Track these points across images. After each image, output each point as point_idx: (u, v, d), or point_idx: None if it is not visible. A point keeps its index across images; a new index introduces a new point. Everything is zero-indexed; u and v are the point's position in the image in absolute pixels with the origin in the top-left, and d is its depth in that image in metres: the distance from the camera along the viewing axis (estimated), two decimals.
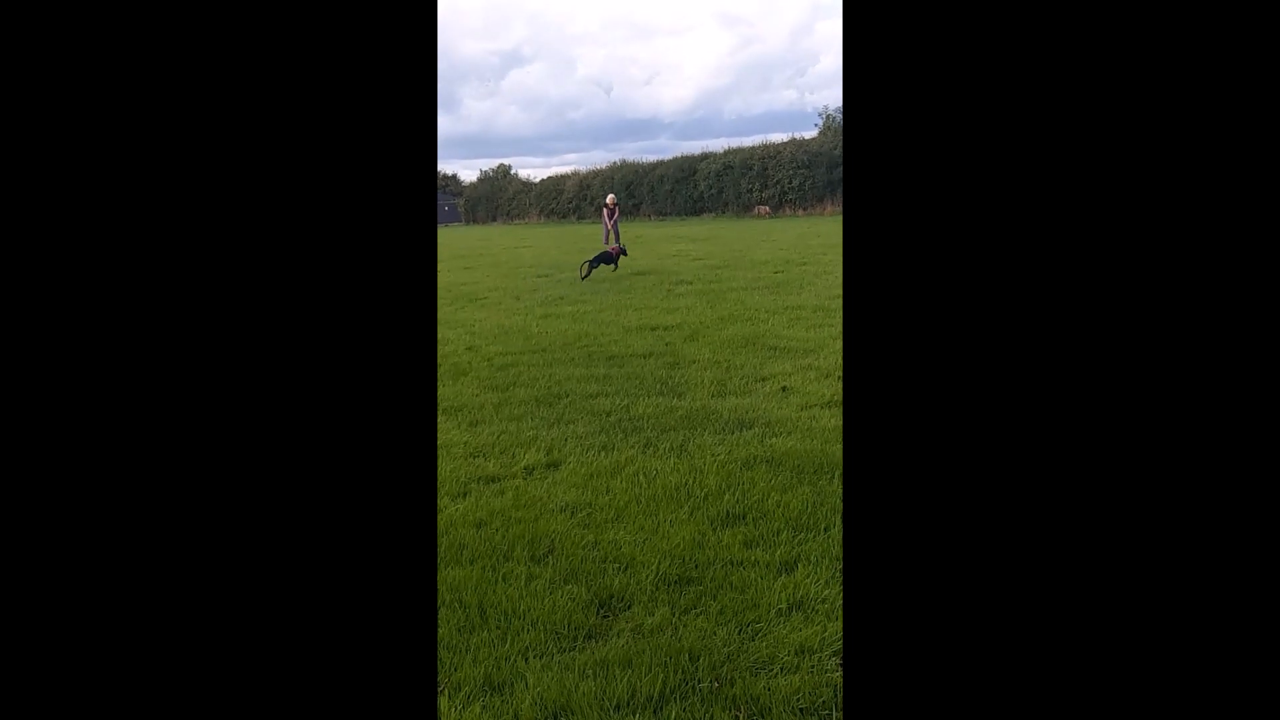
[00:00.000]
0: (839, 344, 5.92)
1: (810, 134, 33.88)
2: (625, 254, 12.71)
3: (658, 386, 4.88)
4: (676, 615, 2.22)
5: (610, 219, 18.66)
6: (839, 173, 31.30)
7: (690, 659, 2.00)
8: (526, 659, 2.05)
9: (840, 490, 3.03)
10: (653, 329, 6.95)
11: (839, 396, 4.44)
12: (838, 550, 2.53)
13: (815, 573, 2.39)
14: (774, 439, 3.72)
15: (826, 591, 2.28)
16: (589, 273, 11.74)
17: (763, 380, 4.95)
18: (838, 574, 2.38)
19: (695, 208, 34.21)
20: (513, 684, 1.95)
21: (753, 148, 33.81)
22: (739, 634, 2.11)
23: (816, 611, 2.19)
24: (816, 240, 16.57)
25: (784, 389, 4.70)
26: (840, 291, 8.73)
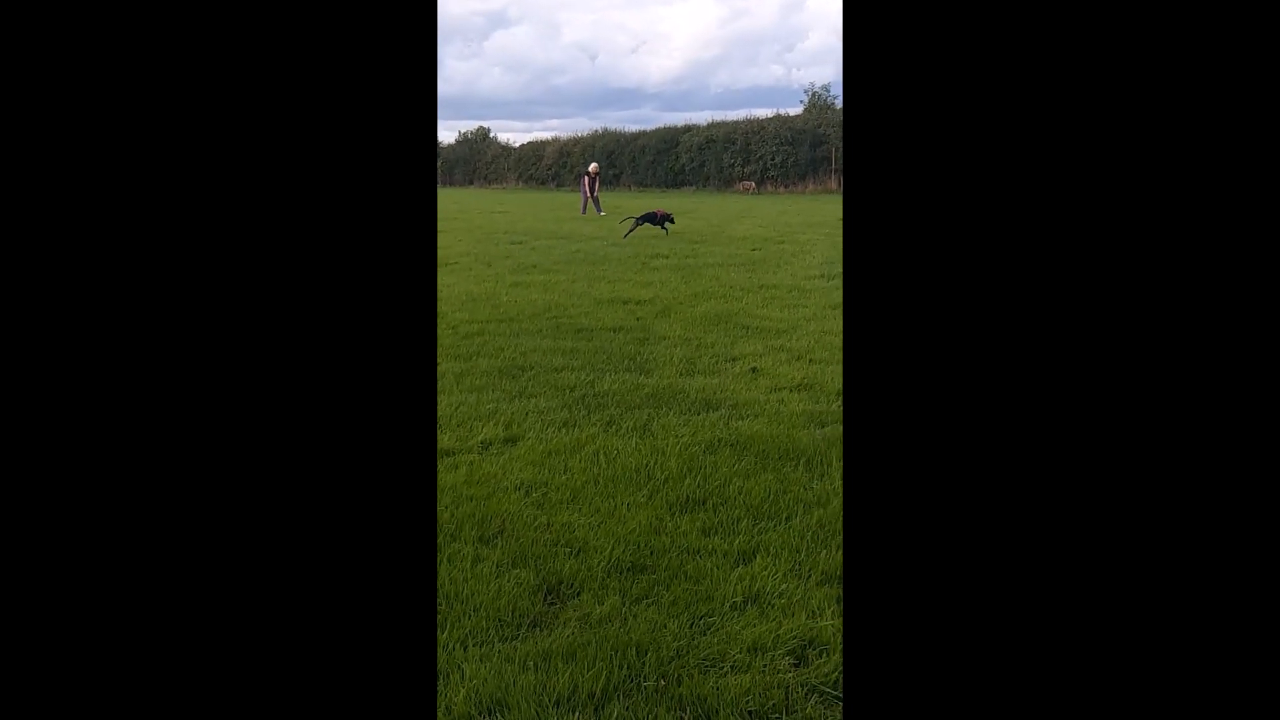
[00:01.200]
0: (812, 325, 5.84)
1: (795, 111, 33.66)
2: (672, 220, 13.36)
3: (625, 363, 4.77)
4: (627, 605, 2.13)
5: (591, 189, 18.40)
6: (822, 150, 31.18)
7: (637, 654, 1.91)
8: (465, 648, 1.94)
9: (804, 478, 2.95)
10: (624, 303, 6.83)
11: (809, 379, 4.36)
12: (798, 541, 2.44)
13: (774, 565, 2.31)
14: (740, 421, 3.64)
15: (784, 585, 2.20)
16: (632, 229, 12.88)
17: (732, 360, 4.86)
18: (796, 566, 2.30)
19: (676, 180, 33.96)
20: (448, 674, 1.85)
21: (736, 122, 33.52)
22: (690, 628, 2.03)
23: (772, 606, 2.11)
24: (797, 218, 16.47)
25: (754, 370, 4.62)
26: (817, 271, 8.69)
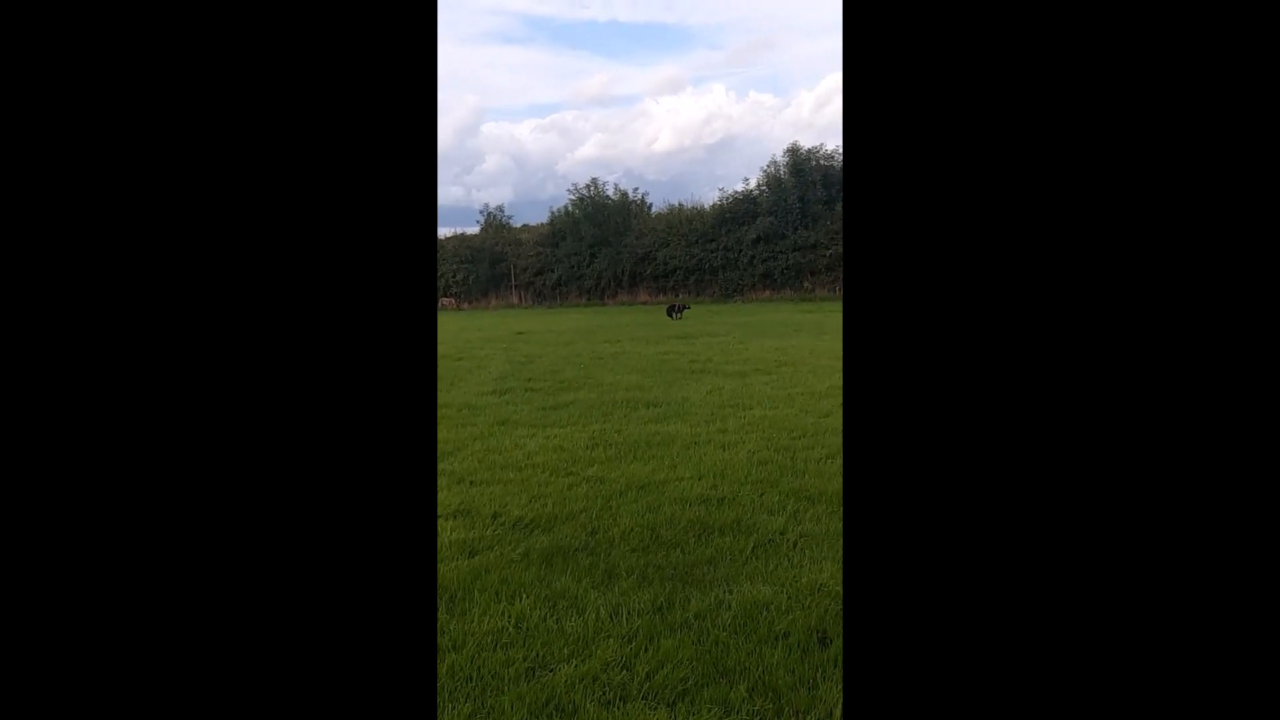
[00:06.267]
0: (478, 444, 5.72)
1: (474, 230, 34.39)
2: (688, 307, 20.34)
3: None
4: None
5: None
6: (501, 268, 32.00)
7: None
8: None
9: (441, 621, 2.74)
10: None
11: (466, 504, 4.19)
12: None
13: None
14: None
15: None
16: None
17: None
18: None
19: None
20: None
21: None
22: None
23: None
24: (477, 334, 16.53)
25: None
26: (490, 387, 8.65)
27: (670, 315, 19.57)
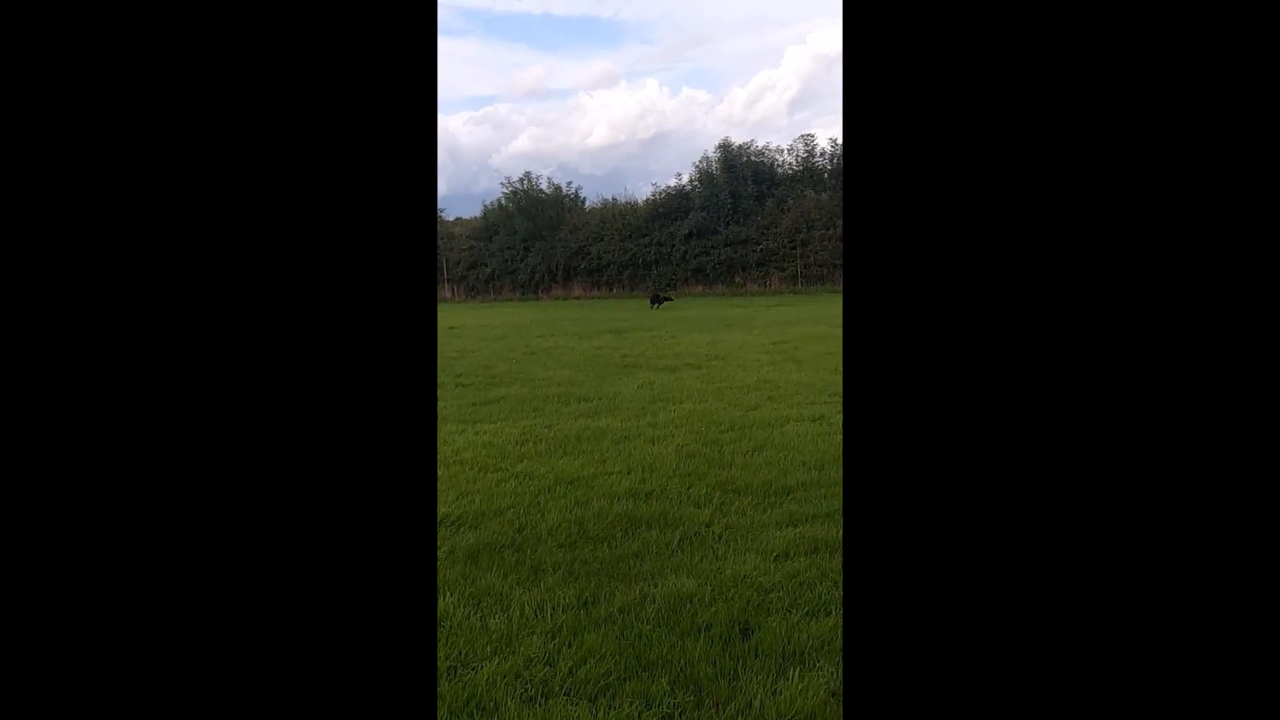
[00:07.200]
0: None
1: None
2: (670, 298, 20.91)
3: None
4: None
5: None
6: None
7: None
8: None
9: None
10: None
11: None
12: None
13: None
14: None
15: None
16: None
17: None
18: None
19: None
20: None
21: None
22: None
23: None
24: None
25: None
26: None
27: (654, 304, 21.05)
